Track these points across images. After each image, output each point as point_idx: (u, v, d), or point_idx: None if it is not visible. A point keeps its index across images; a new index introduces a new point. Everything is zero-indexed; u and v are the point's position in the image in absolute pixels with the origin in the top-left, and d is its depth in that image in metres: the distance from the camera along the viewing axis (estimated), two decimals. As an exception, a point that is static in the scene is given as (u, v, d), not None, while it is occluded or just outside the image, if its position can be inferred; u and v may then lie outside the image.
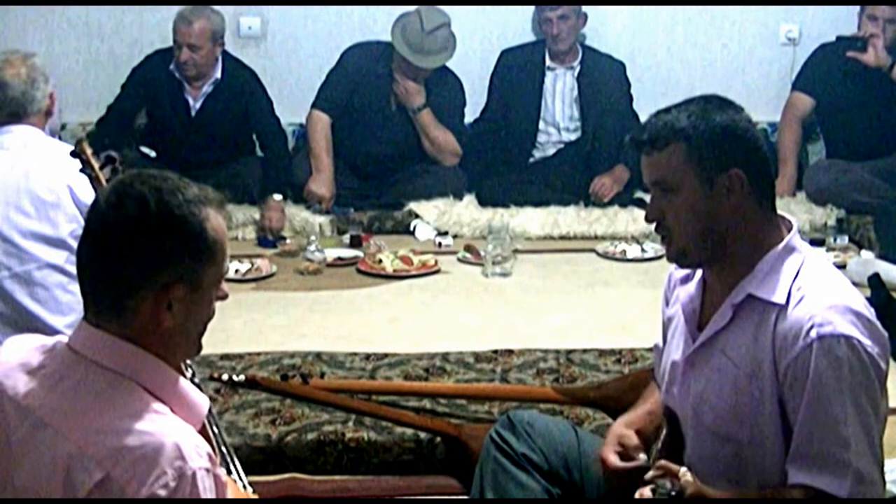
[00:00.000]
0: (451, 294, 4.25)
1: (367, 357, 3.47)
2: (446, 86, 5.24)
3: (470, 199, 5.15)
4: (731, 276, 2.02)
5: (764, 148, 2.04)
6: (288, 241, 4.83)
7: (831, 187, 5.05)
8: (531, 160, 5.34)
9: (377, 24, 5.42)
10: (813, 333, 1.88)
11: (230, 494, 1.69)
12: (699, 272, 2.12)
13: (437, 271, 4.48)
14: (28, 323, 3.05)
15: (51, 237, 3.11)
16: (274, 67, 5.53)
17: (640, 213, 4.69)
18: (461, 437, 2.86)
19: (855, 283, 2.17)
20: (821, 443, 1.88)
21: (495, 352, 3.51)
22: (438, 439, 2.91)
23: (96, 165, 2.53)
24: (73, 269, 2.33)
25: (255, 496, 2.00)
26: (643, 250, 4.71)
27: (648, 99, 5.12)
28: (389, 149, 5.22)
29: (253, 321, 3.89)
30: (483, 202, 5.12)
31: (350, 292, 4.26)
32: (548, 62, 5.30)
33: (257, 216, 4.92)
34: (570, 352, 3.51)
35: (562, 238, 4.94)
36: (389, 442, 2.92)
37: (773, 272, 1.98)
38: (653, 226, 2.07)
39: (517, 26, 5.54)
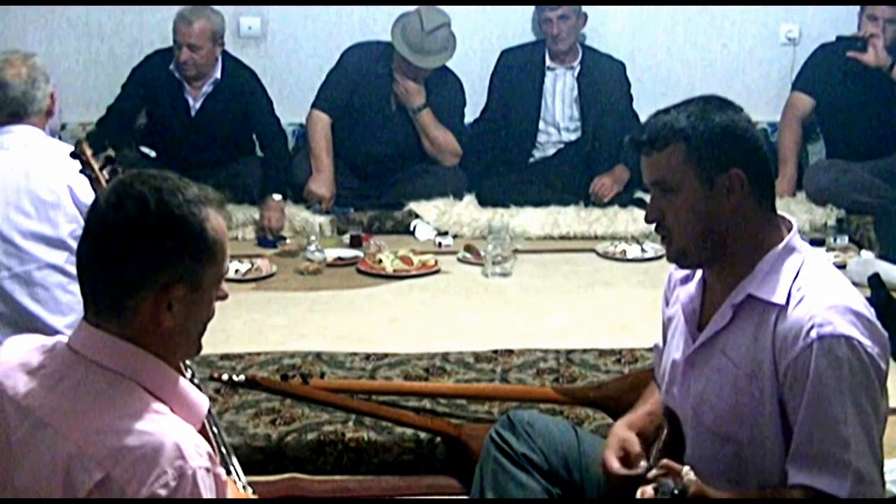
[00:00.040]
0: (451, 294, 4.25)
1: (367, 357, 3.47)
2: (446, 86, 5.24)
3: (470, 199, 5.15)
4: (731, 277, 2.02)
5: (764, 148, 2.04)
6: (288, 241, 4.83)
7: (831, 187, 5.05)
8: (531, 160, 5.34)
9: (377, 24, 5.42)
10: (813, 334, 1.88)
11: (230, 494, 1.70)
12: (699, 272, 2.12)
13: (437, 271, 4.48)
14: (28, 323, 3.05)
15: (51, 237, 3.11)
16: (274, 67, 5.53)
17: (640, 213, 4.69)
18: (461, 437, 2.86)
19: (855, 283, 2.17)
20: (821, 443, 1.88)
21: (495, 352, 3.51)
22: (438, 439, 2.91)
23: (96, 166, 2.53)
24: (73, 270, 2.33)
25: (255, 496, 2.00)
26: (643, 250, 4.71)
27: (648, 99, 5.12)
28: (389, 149, 5.22)
29: (253, 321, 3.89)
30: (483, 202, 5.12)
31: (350, 292, 4.26)
32: (548, 62, 5.30)
33: (257, 216, 4.92)
34: (570, 352, 3.51)
35: (562, 238, 4.94)
36: (389, 442, 2.92)
37: (773, 272, 1.98)
38: (653, 226, 2.07)
39: (517, 26, 5.54)
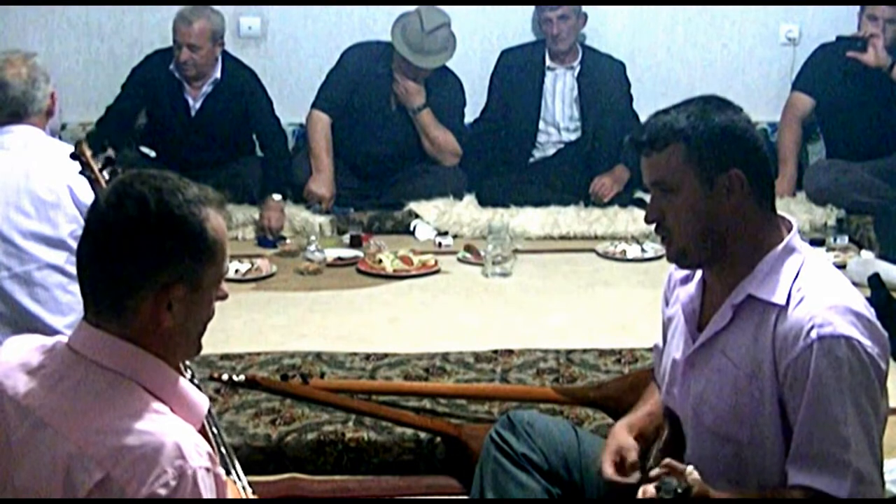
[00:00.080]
0: (451, 294, 4.25)
1: (367, 357, 3.47)
2: (446, 86, 5.24)
3: (470, 199, 5.15)
4: (731, 277, 2.02)
5: (763, 148, 2.04)
6: (288, 241, 4.83)
7: (831, 187, 5.05)
8: (531, 160, 5.34)
9: (377, 24, 5.42)
10: (813, 334, 1.88)
11: (230, 494, 1.70)
12: (699, 272, 2.12)
13: (437, 271, 4.48)
14: (28, 323, 3.05)
15: (51, 237, 3.11)
16: (274, 67, 5.53)
17: (640, 213, 4.69)
18: (461, 437, 2.86)
19: (855, 283, 2.17)
20: (821, 443, 1.88)
21: (495, 352, 3.51)
22: (438, 439, 2.91)
23: (96, 167, 2.53)
24: (73, 270, 2.33)
25: (255, 496, 2.00)
26: (643, 250, 4.71)
27: (648, 99, 5.12)
28: (389, 149, 5.22)
29: (253, 321, 3.89)
30: (483, 202, 5.12)
31: (350, 292, 4.26)
32: (548, 62, 5.30)
33: (257, 216, 4.91)
34: (570, 352, 3.51)
35: (562, 238, 4.94)
36: (389, 442, 2.92)
37: (773, 272, 1.98)
38: (653, 226, 2.07)
39: (517, 26, 5.54)
